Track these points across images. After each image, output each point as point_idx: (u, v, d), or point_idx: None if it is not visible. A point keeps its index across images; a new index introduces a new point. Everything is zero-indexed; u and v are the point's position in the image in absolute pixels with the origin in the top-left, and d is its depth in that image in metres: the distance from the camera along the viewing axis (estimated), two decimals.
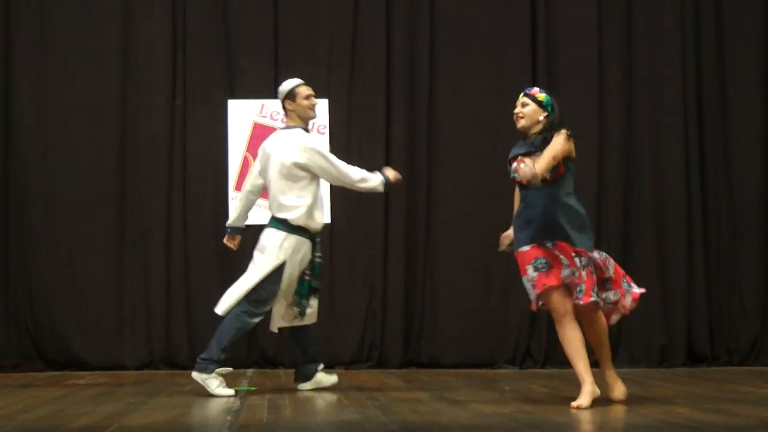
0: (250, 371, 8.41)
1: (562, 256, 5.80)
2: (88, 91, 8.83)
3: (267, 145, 6.92)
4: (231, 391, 6.49)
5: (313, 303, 6.88)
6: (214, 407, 5.81)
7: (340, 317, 8.79)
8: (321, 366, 7.03)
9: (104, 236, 8.71)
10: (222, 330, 6.62)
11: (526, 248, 5.87)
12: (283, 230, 6.70)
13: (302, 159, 6.67)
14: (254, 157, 8.73)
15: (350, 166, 6.83)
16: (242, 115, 8.83)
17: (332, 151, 8.78)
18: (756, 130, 9.11)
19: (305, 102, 6.86)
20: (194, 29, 8.87)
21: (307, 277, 6.75)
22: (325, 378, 6.98)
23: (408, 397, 6.37)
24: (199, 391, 6.51)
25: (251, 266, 6.73)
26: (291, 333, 6.94)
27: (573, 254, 5.79)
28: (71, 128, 8.79)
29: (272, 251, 6.67)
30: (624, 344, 8.88)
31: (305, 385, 6.89)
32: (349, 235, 8.87)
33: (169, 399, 6.28)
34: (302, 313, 6.78)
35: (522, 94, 6.09)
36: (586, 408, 5.64)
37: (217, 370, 6.52)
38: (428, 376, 7.93)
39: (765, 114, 9.13)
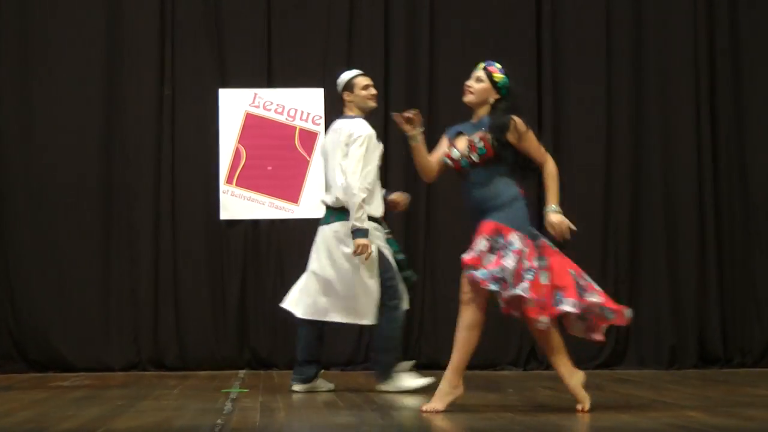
0: (242, 372, 8.40)
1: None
2: (72, 80, 8.80)
3: (326, 138, 7.15)
4: (426, 380, 6.78)
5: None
6: (204, 410, 5.77)
7: None
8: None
9: (89, 232, 8.68)
10: (383, 338, 6.87)
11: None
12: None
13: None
14: (246, 149, 8.74)
15: (361, 187, 6.76)
16: (234, 105, 8.80)
17: None
18: None
19: (363, 92, 7.02)
20: (183, 15, 8.85)
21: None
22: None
23: (406, 399, 6.35)
24: (188, 394, 6.47)
25: (350, 270, 6.82)
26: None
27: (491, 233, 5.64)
28: (55, 120, 8.75)
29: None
30: (633, 345, 8.85)
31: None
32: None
33: (157, 402, 6.25)
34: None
35: (481, 66, 5.90)
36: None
37: (401, 365, 6.89)
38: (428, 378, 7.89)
39: None
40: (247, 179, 8.77)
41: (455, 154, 5.84)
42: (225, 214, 8.65)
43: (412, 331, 8.81)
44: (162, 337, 8.66)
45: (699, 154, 8.98)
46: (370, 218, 6.81)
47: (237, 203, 8.74)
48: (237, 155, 8.77)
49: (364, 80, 7.07)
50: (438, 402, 5.65)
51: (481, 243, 5.61)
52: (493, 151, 5.71)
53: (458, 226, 8.80)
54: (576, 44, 9.06)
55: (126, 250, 8.72)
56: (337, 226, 6.85)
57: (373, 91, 7.09)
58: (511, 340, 8.80)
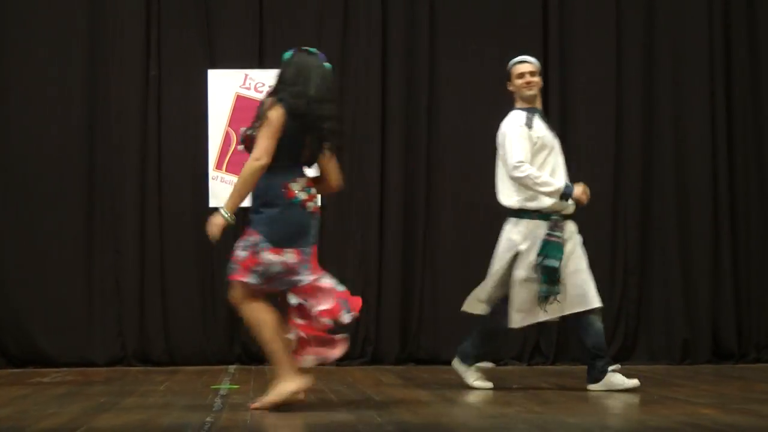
0: (232, 368, 8.42)
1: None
2: (52, 62, 8.79)
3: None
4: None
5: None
6: (193, 407, 5.79)
7: None
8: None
9: (72, 221, 8.69)
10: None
11: None
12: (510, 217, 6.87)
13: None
14: (236, 132, 8.74)
15: (527, 167, 6.68)
16: (224, 86, 8.81)
17: None
18: None
19: (518, 81, 6.91)
20: None
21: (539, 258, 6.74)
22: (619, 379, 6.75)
23: (405, 396, 6.37)
24: (176, 390, 6.49)
25: None
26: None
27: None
28: (34, 104, 8.75)
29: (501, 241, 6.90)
30: (642, 339, 8.89)
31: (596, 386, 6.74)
32: (341, 221, 8.85)
33: (143, 399, 6.26)
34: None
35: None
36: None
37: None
38: (428, 374, 7.94)
39: None
40: (238, 165, 8.71)
41: None
42: (214, 201, 8.65)
43: (411, 324, 8.85)
44: (148, 331, 8.67)
45: (713, 142, 9.01)
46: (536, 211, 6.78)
47: (227, 190, 8.68)
48: (227, 140, 8.78)
49: (519, 68, 6.91)
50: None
51: None
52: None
53: (457, 224, 8.86)
54: (585, 28, 9.07)
55: (110, 239, 8.73)
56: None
57: (529, 78, 6.87)
58: (515, 334, 8.81)
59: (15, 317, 8.59)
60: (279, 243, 5.59)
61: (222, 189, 8.69)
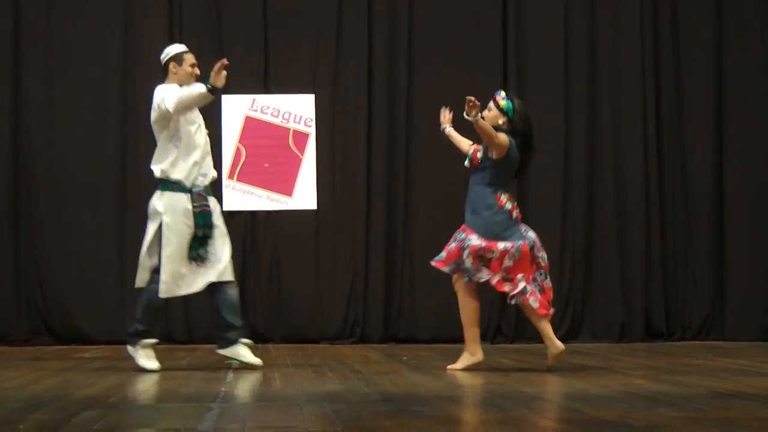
0: None
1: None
2: (92, 86, 8.79)
3: None
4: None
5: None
6: (209, 379, 5.79)
7: (325, 297, 8.79)
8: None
9: (108, 220, 8.69)
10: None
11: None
12: (159, 189, 6.34)
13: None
14: (246, 148, 8.74)
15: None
16: (234, 109, 8.81)
17: (318, 143, 8.83)
18: (708, 126, 9.14)
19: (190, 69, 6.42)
20: (189, 28, 8.84)
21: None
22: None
23: (388, 369, 6.39)
24: (195, 365, 6.48)
25: None
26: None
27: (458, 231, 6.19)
28: (76, 121, 8.74)
29: (150, 212, 6.34)
30: (587, 321, 8.92)
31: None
32: (333, 222, 8.86)
33: (168, 372, 6.26)
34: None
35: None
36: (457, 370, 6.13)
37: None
38: (406, 351, 7.94)
39: (717, 110, 9.16)
40: (247, 175, 8.79)
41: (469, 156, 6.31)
42: (227, 205, 8.65)
43: (392, 309, 8.86)
44: (172, 314, 8.65)
45: (645, 153, 9.03)
46: (178, 183, 6.26)
47: (238, 196, 8.76)
48: (237, 154, 8.78)
49: (192, 58, 6.44)
50: (459, 364, 6.21)
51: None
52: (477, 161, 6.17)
53: (431, 226, 8.86)
54: (538, 55, 9.10)
55: (140, 235, 8.67)
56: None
57: (197, 71, 6.40)
58: (481, 317, 8.81)
59: (61, 303, 8.59)
60: None
61: (233, 195, 8.70)
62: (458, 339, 8.67)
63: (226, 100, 8.76)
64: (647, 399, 4.78)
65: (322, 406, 4.51)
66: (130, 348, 6.34)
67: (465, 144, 6.49)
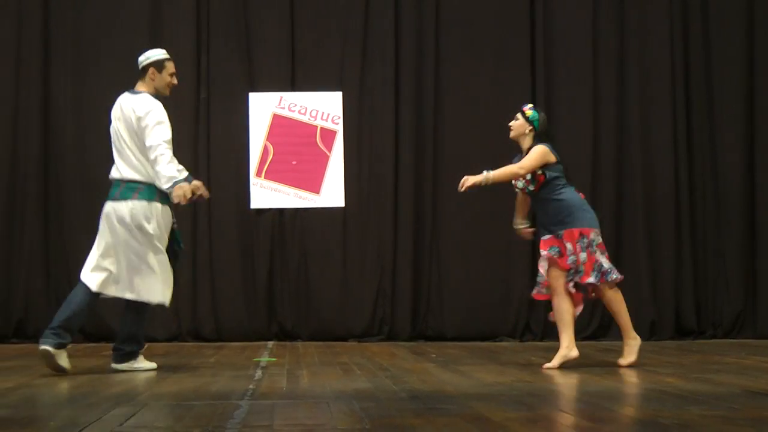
0: (270, 343, 8.44)
1: (567, 243, 6.16)
2: (119, 88, 8.74)
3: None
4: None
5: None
6: (237, 376, 5.81)
7: (353, 295, 8.81)
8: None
9: None
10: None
11: (545, 237, 6.26)
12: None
13: None
14: (274, 145, 8.76)
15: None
16: (262, 106, 8.83)
17: (345, 140, 8.83)
18: (739, 124, 9.08)
19: (169, 78, 6.33)
20: (217, 28, 8.88)
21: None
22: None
23: (416, 367, 6.38)
24: (223, 362, 6.50)
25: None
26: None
27: (577, 238, 6.15)
28: (104, 122, 8.69)
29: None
30: None
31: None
32: (361, 219, 8.87)
33: (196, 369, 6.29)
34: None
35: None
36: (554, 368, 6.08)
37: None
38: (434, 349, 7.94)
39: (748, 107, 9.10)
40: (274, 172, 8.81)
41: (519, 184, 6.31)
42: (255, 203, 8.69)
43: (420, 307, 8.86)
44: (200, 312, 8.71)
45: (675, 151, 9.00)
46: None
47: (265, 194, 8.78)
48: (265, 151, 8.80)
49: (172, 67, 6.24)
50: (555, 362, 6.19)
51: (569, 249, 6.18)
52: (543, 177, 6.23)
53: (459, 223, 8.86)
54: (566, 55, 9.07)
55: None
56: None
57: (176, 80, 6.28)
58: (509, 313, 8.84)
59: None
60: None
61: (261, 192, 8.72)
62: (486, 336, 8.71)
63: (254, 97, 8.79)
64: (678, 398, 4.74)
65: (350, 404, 4.51)
66: (125, 365, 6.12)
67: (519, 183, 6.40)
